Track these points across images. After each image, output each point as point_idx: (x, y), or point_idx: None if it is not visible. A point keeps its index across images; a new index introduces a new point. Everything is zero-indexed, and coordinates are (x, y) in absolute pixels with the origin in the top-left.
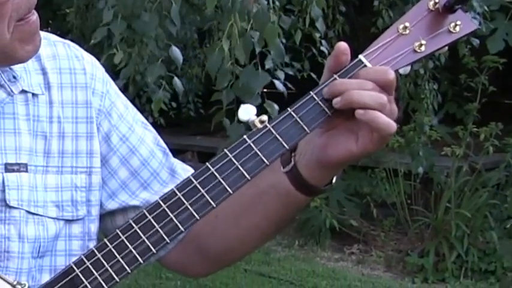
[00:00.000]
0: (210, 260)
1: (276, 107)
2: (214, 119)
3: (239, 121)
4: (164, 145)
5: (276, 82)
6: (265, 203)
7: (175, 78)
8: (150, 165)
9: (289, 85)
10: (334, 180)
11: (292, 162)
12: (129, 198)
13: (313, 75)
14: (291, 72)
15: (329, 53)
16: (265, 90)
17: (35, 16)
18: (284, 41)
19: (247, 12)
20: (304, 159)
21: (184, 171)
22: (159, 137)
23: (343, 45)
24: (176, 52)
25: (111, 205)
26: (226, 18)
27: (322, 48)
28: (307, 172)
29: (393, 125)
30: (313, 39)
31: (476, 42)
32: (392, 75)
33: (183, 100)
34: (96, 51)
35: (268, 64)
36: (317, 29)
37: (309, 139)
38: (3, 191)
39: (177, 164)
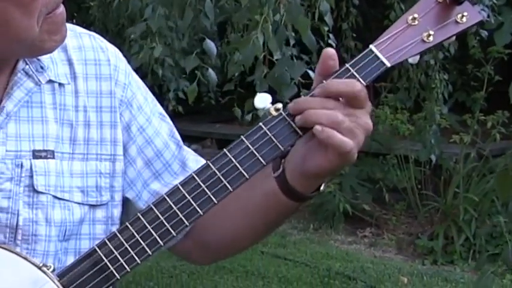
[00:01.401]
0: (208, 252)
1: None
2: (246, 106)
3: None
4: (178, 137)
5: (311, 72)
6: (258, 205)
7: (210, 70)
8: (163, 157)
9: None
10: (322, 188)
11: (281, 168)
12: (142, 187)
13: None
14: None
15: (337, 46)
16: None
17: (61, 8)
18: (293, 34)
19: (278, 5)
20: (289, 166)
21: (197, 163)
22: (174, 129)
23: (330, 51)
24: (210, 45)
25: (129, 194)
26: (258, 12)
27: (329, 41)
28: (292, 179)
29: (348, 143)
30: (322, 33)
31: (484, 34)
32: (358, 87)
33: (203, 89)
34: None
35: (277, 56)
36: (325, 22)
37: (295, 147)
38: (31, 176)
39: (190, 156)
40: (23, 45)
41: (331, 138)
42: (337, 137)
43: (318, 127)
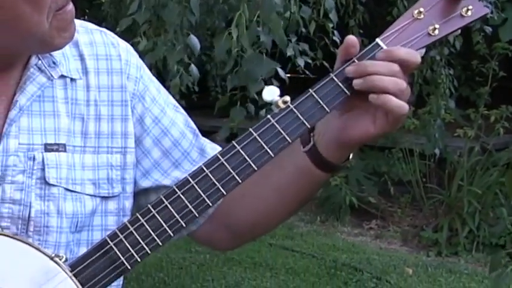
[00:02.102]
0: (236, 235)
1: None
2: (217, 103)
3: (244, 103)
4: (194, 126)
5: (279, 70)
6: (290, 181)
7: (192, 65)
8: (181, 146)
9: (307, 72)
10: (351, 157)
11: (312, 142)
12: (161, 176)
13: (326, 64)
14: (309, 61)
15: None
16: (288, 75)
17: (70, 6)
18: (304, 30)
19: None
20: (323, 139)
21: (214, 150)
22: (189, 119)
23: (352, 39)
24: (194, 40)
25: (145, 183)
26: (236, 9)
27: (334, 38)
28: (326, 151)
29: (405, 107)
30: (326, 29)
31: (489, 29)
32: (419, 58)
33: (210, 84)
34: (126, 38)
35: (290, 52)
36: (330, 19)
37: (326, 120)
38: (43, 169)
39: (207, 143)
40: (33, 40)
41: (389, 102)
42: (395, 100)
43: (373, 95)
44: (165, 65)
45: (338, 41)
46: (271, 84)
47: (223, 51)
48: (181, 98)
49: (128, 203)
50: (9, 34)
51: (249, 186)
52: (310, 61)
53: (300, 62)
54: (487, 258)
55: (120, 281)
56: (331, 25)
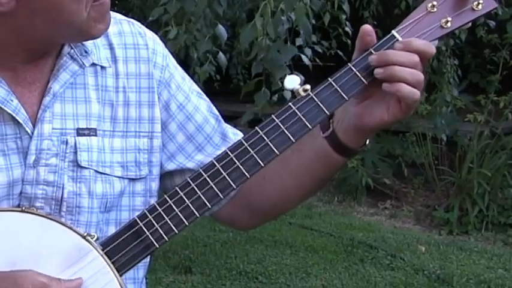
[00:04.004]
0: (256, 215)
1: (302, 77)
2: (243, 88)
3: (268, 89)
4: (217, 112)
5: (303, 57)
6: (309, 165)
7: (220, 53)
8: (204, 130)
9: (317, 60)
10: (367, 142)
11: (331, 128)
12: (185, 160)
13: (340, 53)
14: (320, 50)
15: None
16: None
17: None
18: (314, 21)
19: None
20: (342, 125)
21: (235, 135)
22: (212, 105)
23: (367, 28)
24: (222, 30)
25: (170, 166)
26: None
27: (346, 29)
28: (345, 136)
29: (417, 94)
30: (340, 20)
31: (492, 23)
32: (434, 50)
33: (232, 72)
34: (152, 28)
35: (299, 41)
36: (343, 11)
37: (345, 108)
38: (75, 152)
39: (229, 129)
40: (71, 28)
41: (401, 89)
42: (407, 88)
43: (386, 84)
44: (189, 53)
45: (350, 32)
46: (296, 71)
47: (249, 39)
48: (205, 85)
49: (155, 185)
50: (49, 22)
51: (270, 169)
52: (320, 50)
53: (307, 52)
54: (495, 237)
55: (147, 258)
56: (344, 16)
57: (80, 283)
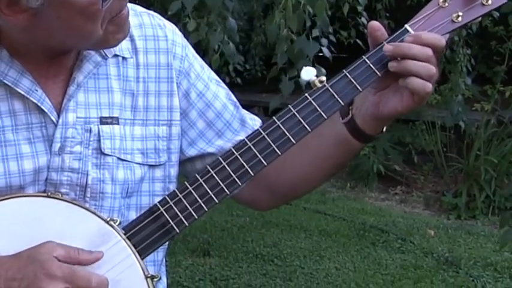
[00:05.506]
0: (276, 197)
1: (323, 70)
2: (268, 74)
3: (291, 79)
4: (235, 99)
5: (324, 49)
6: (327, 149)
7: (230, 44)
8: (224, 117)
9: (333, 50)
10: (384, 130)
11: (350, 115)
12: (206, 145)
13: (359, 41)
14: (333, 39)
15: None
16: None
17: (125, 10)
18: (329, 13)
19: None
20: (360, 113)
21: (253, 120)
22: (230, 93)
23: (374, 24)
24: (232, 23)
25: (191, 152)
26: None
27: (362, 19)
28: (363, 123)
29: (429, 87)
30: (357, 10)
31: (496, 15)
32: (444, 42)
33: (250, 63)
34: (173, 21)
35: (315, 33)
36: (359, 2)
37: (364, 96)
38: (99, 140)
39: (247, 115)
40: (88, 43)
41: (414, 83)
42: (420, 81)
43: (401, 79)
44: (207, 44)
45: (366, 22)
46: (318, 63)
47: (274, 34)
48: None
49: (174, 171)
50: (67, 38)
51: (290, 153)
52: (334, 40)
53: (324, 42)
54: None
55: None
56: (360, 7)
57: (99, 257)
